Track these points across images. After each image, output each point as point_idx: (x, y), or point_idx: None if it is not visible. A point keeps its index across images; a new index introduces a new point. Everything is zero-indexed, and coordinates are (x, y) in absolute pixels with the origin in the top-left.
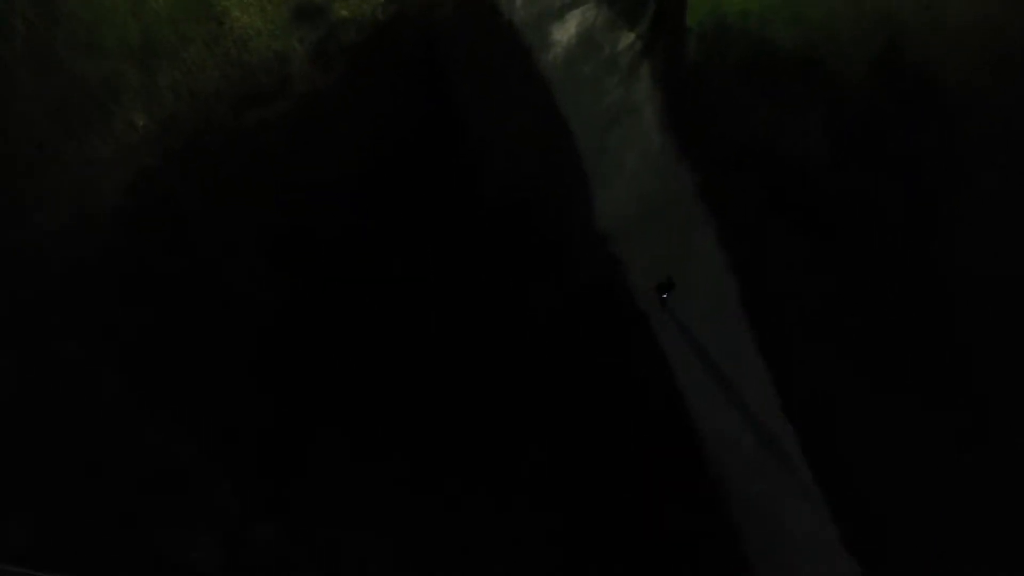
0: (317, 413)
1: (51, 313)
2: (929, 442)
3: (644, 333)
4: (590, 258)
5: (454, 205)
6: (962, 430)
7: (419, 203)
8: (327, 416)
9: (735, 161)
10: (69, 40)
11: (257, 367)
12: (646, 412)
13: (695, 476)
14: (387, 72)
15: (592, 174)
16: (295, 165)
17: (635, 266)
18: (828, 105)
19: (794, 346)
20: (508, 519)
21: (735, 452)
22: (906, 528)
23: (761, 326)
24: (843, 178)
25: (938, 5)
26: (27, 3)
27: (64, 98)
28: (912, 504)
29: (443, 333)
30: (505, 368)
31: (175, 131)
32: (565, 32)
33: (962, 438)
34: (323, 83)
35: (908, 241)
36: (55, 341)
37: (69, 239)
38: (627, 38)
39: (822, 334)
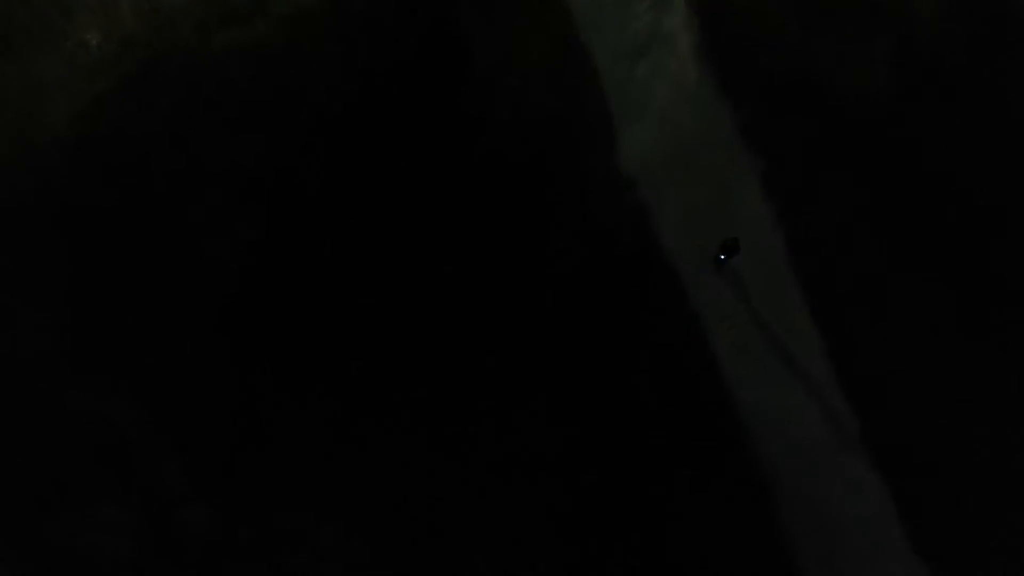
0: (293, 382)
1: None
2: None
3: (674, 292)
4: (612, 207)
5: (455, 144)
6: None
7: (416, 140)
8: (304, 385)
9: (784, 98)
10: None
11: (220, 327)
12: (674, 383)
13: (732, 461)
14: None
15: (616, 111)
16: (272, 95)
17: (664, 217)
18: (896, 37)
19: (851, 312)
20: (503, 504)
21: (781, 434)
22: (986, 529)
23: (813, 288)
24: (909, 120)
25: None
26: None
27: (6, 15)
28: (994, 498)
29: (440, 291)
30: (514, 329)
31: (134, 53)
32: None
33: None
34: (307, 2)
35: (983, 194)
36: None
37: (5, 173)
38: None
39: (884, 298)
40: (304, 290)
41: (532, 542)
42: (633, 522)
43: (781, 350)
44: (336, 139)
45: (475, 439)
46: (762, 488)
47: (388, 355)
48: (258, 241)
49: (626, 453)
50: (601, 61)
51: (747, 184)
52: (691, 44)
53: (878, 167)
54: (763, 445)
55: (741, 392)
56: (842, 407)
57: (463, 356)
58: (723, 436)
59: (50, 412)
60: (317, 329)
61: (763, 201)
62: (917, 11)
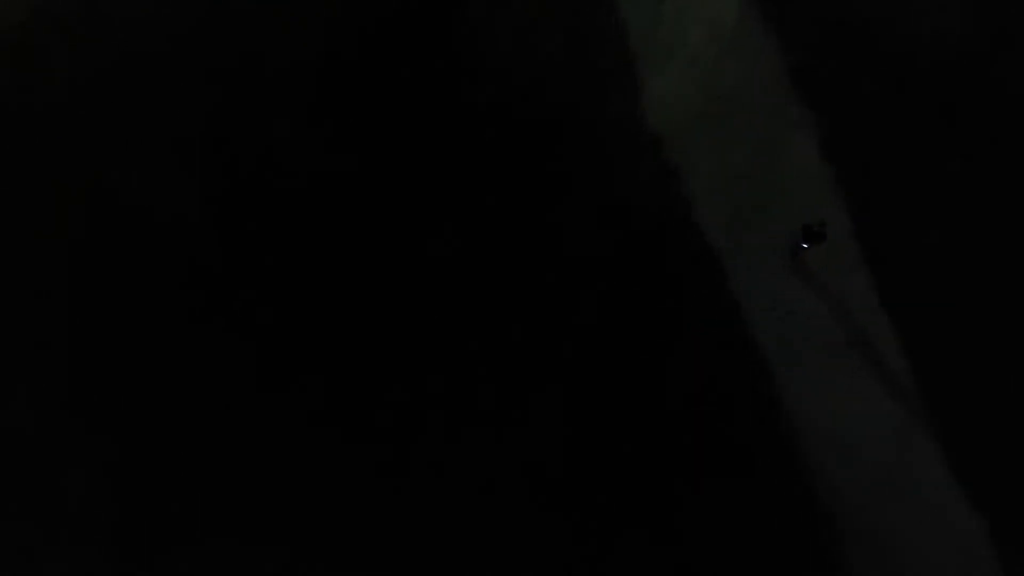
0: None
1: None
2: None
3: (708, 276)
4: (634, 173)
5: (446, 100)
6: None
7: (399, 96)
8: (290, 376)
9: (842, 41)
10: None
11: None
12: (706, 385)
13: (774, 482)
14: None
15: (639, 56)
16: (236, 46)
17: (697, 184)
18: None
19: (930, 299)
20: (510, 520)
21: (839, 453)
22: None
23: (882, 273)
24: (997, 69)
25: None
26: None
27: None
28: None
29: (434, 274)
30: (519, 311)
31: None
32: None
33: None
34: None
35: None
36: None
37: None
38: None
39: (967, 283)
40: (283, 268)
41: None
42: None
43: (842, 349)
44: (307, 97)
45: (478, 437)
46: (816, 517)
47: (378, 346)
48: (211, 217)
49: (646, 463)
50: None
51: (798, 144)
52: None
53: (958, 125)
54: (815, 464)
55: (789, 399)
56: (921, 423)
57: (461, 346)
58: (765, 451)
59: None
60: (301, 314)
61: (818, 165)
62: None
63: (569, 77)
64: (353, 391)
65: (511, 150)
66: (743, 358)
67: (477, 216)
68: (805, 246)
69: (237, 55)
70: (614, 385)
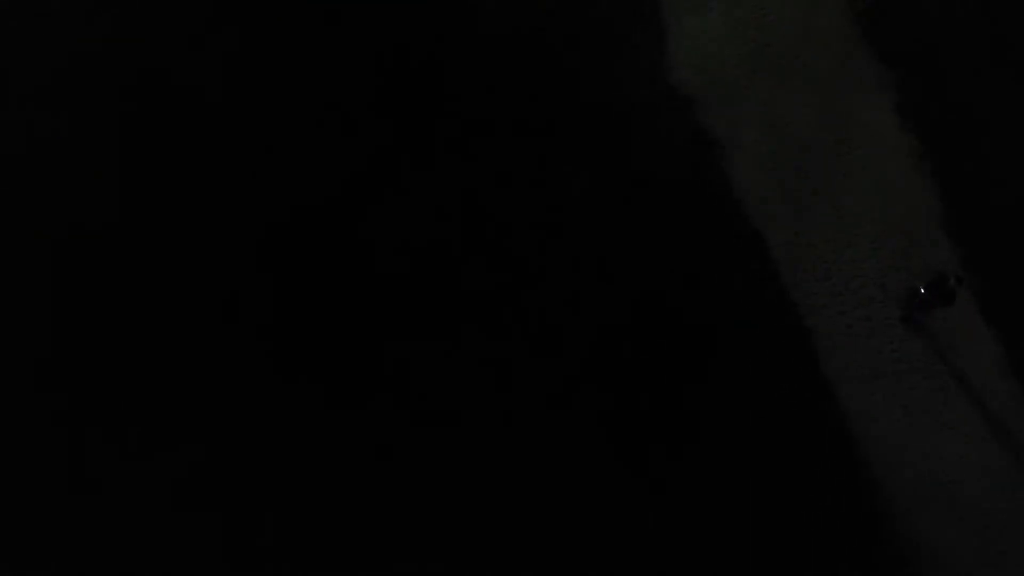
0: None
1: None
2: None
3: (754, 263)
4: (659, 137)
5: (440, 55)
6: None
7: (388, 54)
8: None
9: None
10: None
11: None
12: (749, 398)
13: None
14: None
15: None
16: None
17: (741, 153)
18: None
19: None
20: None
21: (927, 490)
22: None
23: (980, 253)
24: None
25: None
26: None
27: None
28: None
29: (428, 250)
30: (520, 308)
31: None
32: None
33: None
34: None
35: None
36: None
37: None
38: None
39: None
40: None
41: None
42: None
43: (926, 360)
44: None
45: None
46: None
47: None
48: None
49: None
50: None
51: (872, 108)
52: None
53: None
54: (899, 507)
55: (856, 419)
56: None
57: (457, 328)
58: (816, 452)
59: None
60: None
61: (898, 135)
62: None
63: (575, 19)
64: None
65: (504, 112)
66: (796, 365)
67: (478, 184)
68: (927, 298)
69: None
70: (634, 401)
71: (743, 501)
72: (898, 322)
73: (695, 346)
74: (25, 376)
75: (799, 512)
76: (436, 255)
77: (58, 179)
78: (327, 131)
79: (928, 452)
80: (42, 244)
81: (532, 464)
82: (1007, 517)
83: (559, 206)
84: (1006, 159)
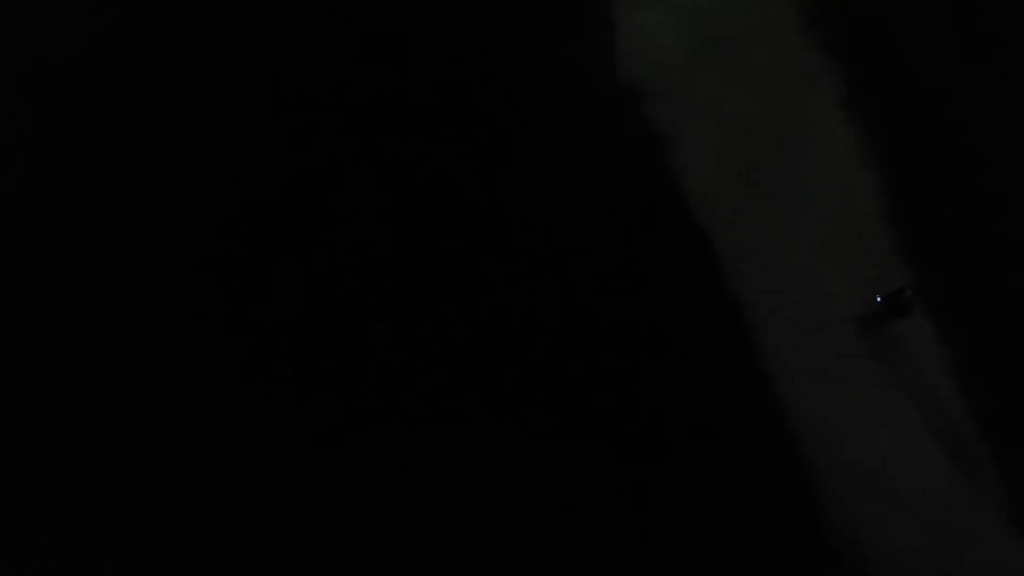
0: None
1: None
2: None
3: (703, 261)
4: (609, 131)
5: (380, 45)
6: None
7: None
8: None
9: None
10: None
11: None
12: (697, 394)
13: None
14: None
15: None
16: None
17: (691, 146)
18: None
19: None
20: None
21: (843, 468)
22: None
23: (925, 247)
24: None
25: None
26: None
27: None
28: None
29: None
30: (466, 301)
31: None
32: None
33: None
34: None
35: None
36: None
37: None
38: None
39: None
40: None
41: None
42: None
43: (867, 355)
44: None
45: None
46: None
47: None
48: None
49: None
50: None
51: (818, 101)
52: None
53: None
54: (837, 501)
55: (796, 414)
56: (966, 446)
57: (410, 329)
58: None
59: None
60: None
61: (837, 121)
62: None
63: (522, 11)
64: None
65: (452, 105)
66: (743, 367)
67: (415, 187)
68: (886, 311)
69: None
70: (580, 398)
71: (677, 496)
72: (852, 326)
73: (634, 340)
74: None
75: (735, 507)
76: (378, 252)
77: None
78: (282, 130)
79: (867, 447)
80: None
81: (474, 466)
82: (944, 512)
83: (502, 199)
84: (953, 152)
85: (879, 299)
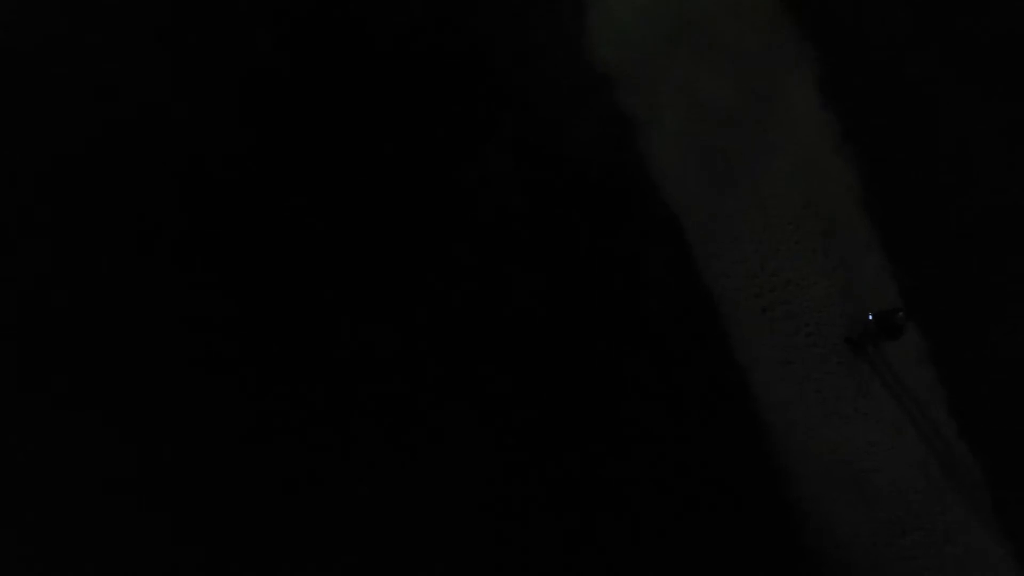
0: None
1: None
2: None
3: (674, 253)
4: (574, 117)
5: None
6: None
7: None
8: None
9: None
10: None
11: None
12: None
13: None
14: None
15: None
16: None
17: (662, 132)
18: None
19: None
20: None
21: (817, 461)
22: None
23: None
24: None
25: None
26: None
27: None
28: None
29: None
30: (424, 297)
31: None
32: None
33: None
34: None
35: None
36: None
37: None
38: None
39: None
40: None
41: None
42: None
43: (841, 346)
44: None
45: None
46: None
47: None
48: None
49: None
50: None
51: (796, 86)
52: None
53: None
54: (810, 495)
55: (768, 406)
56: (954, 447)
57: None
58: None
59: None
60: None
61: (820, 113)
62: None
63: None
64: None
65: (410, 91)
66: (711, 356)
67: (371, 177)
68: (875, 329)
69: None
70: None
71: (649, 492)
72: (843, 344)
73: (606, 330)
74: None
75: (706, 502)
76: (342, 245)
77: None
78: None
79: (841, 439)
80: None
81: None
82: (918, 507)
83: (471, 188)
84: (930, 138)
85: (870, 317)
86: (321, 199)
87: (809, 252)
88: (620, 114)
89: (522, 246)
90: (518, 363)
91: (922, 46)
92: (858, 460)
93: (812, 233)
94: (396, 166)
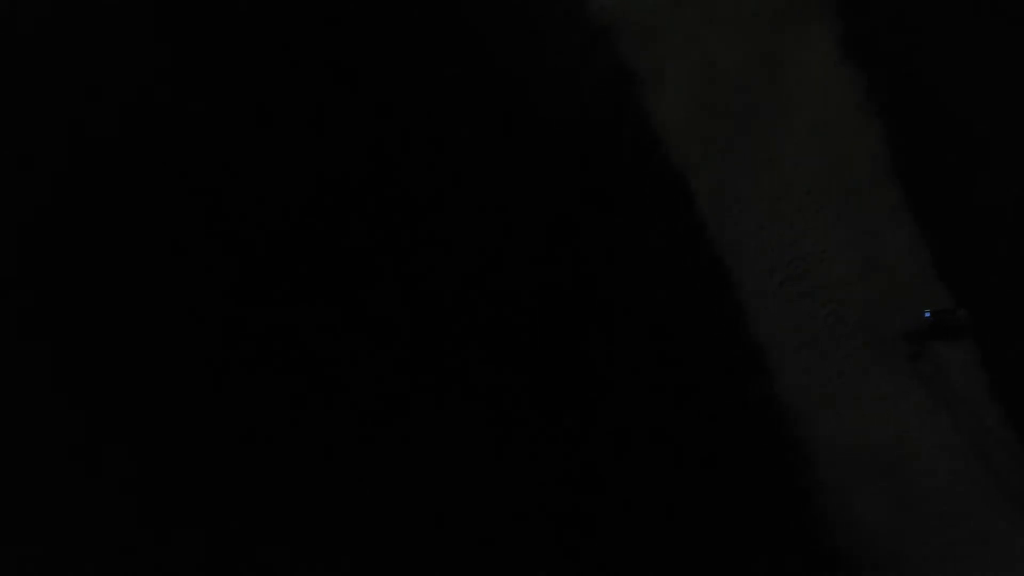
0: None
1: None
2: None
3: (677, 214)
4: (574, 72)
5: None
6: None
7: None
8: None
9: None
10: None
11: None
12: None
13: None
14: None
15: None
16: None
17: (665, 88)
18: None
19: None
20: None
21: (840, 448)
22: None
23: (931, 199)
24: None
25: None
26: None
27: None
28: None
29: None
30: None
31: None
32: None
33: None
34: None
35: None
36: None
37: None
38: None
39: None
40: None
41: None
42: None
43: (865, 324)
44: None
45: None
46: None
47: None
48: None
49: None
50: None
51: (813, 38)
52: None
53: None
54: (832, 483)
55: (787, 388)
56: (996, 434)
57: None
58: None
59: None
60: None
61: (831, 62)
62: None
63: None
64: None
65: (393, 48)
66: (731, 343)
67: (376, 145)
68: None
69: None
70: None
71: (652, 486)
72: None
73: (605, 311)
74: None
75: (718, 495)
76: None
77: None
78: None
79: (868, 425)
80: None
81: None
82: (957, 500)
83: (468, 148)
84: (959, 91)
85: (927, 314)
86: (320, 199)
87: (830, 221)
88: (622, 70)
89: (514, 219)
90: (512, 350)
91: None
92: (888, 448)
93: (833, 200)
94: (386, 136)
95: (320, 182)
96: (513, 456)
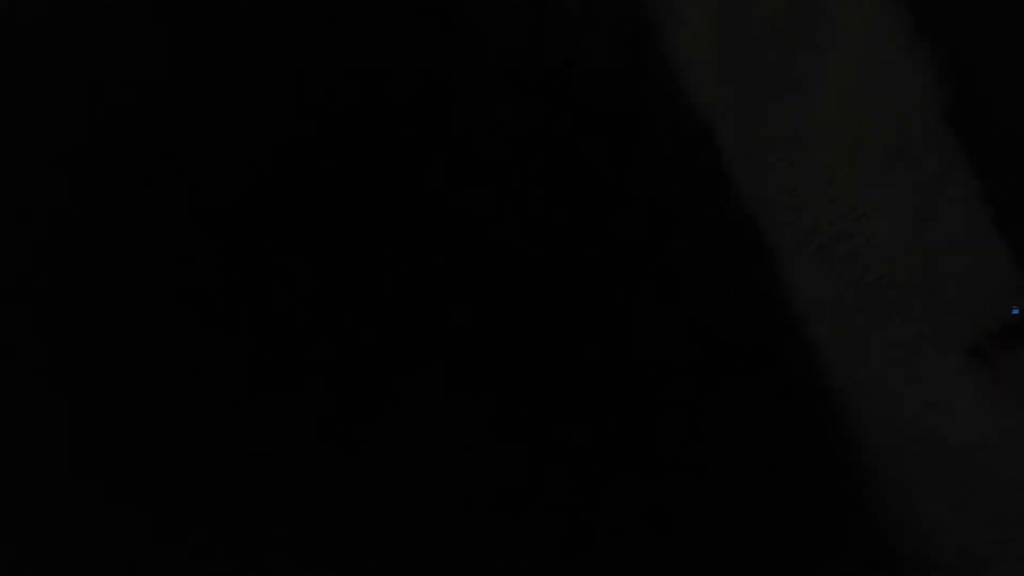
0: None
1: None
2: None
3: (689, 152)
4: (583, 25)
5: None
6: None
7: None
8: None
9: None
10: None
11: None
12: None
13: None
14: None
15: None
16: None
17: (683, 36)
18: None
19: None
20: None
21: (895, 428)
22: None
23: (993, 156)
24: None
25: None
26: None
27: None
28: None
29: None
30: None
31: None
32: None
33: None
34: None
35: None
36: None
37: None
38: None
39: None
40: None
41: None
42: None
43: (921, 287)
44: None
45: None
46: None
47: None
48: None
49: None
50: None
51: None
52: None
53: None
54: (888, 468)
55: (831, 363)
56: None
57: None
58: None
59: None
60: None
61: (882, 2)
62: None
63: None
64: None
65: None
66: (762, 315)
67: (383, 126)
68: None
69: None
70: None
71: (675, 478)
72: (892, 257)
73: (625, 280)
74: None
75: (751, 490)
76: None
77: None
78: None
79: (925, 402)
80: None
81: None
82: (1020, 493)
83: (476, 103)
84: (1020, 28)
85: (1015, 312)
86: (322, 198)
87: (876, 176)
88: (641, 11)
89: (523, 181)
90: (521, 327)
91: None
92: (957, 434)
93: (879, 152)
94: (391, 103)
95: (313, 157)
96: (534, 445)
